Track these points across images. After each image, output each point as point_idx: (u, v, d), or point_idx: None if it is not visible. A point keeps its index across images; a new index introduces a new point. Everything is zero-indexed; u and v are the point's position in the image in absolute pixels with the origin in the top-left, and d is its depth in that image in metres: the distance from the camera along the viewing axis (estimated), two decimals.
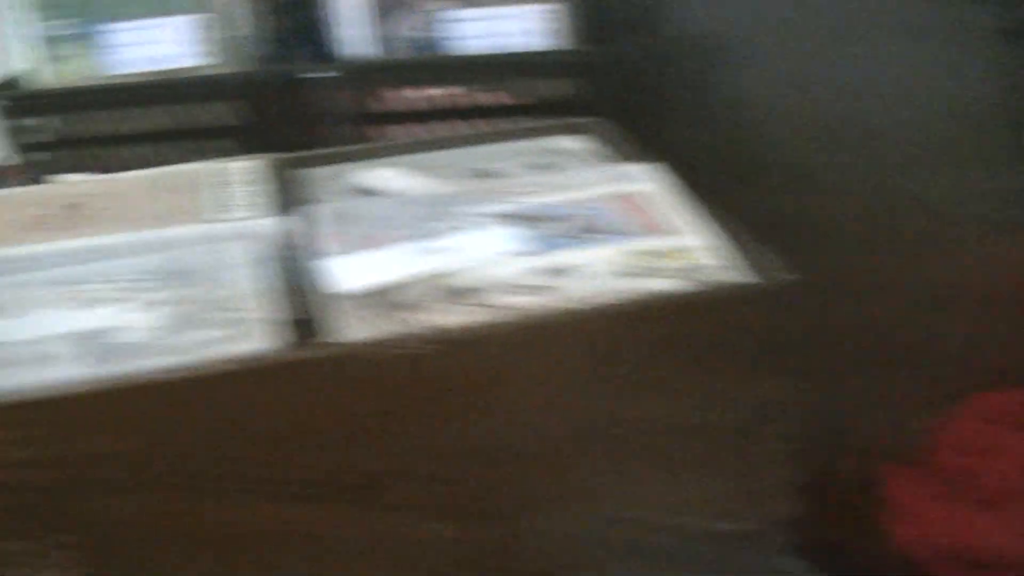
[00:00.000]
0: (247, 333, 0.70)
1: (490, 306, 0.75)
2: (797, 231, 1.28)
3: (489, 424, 0.72)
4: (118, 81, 1.23)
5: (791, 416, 0.79)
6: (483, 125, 1.21)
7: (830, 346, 1.34)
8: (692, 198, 0.86)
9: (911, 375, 1.34)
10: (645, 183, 0.87)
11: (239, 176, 0.91)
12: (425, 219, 0.82)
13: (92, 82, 1.23)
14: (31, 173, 1.21)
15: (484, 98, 1.21)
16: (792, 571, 1.02)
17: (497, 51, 1.23)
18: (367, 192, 0.93)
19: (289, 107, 1.20)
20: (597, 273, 0.76)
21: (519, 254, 0.78)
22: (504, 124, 1.14)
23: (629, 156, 0.93)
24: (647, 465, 0.78)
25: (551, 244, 0.79)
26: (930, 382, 1.35)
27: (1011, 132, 1.44)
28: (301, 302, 0.74)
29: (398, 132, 1.19)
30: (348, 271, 0.75)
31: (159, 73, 1.25)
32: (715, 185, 1.05)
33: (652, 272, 0.77)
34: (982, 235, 1.39)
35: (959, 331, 1.37)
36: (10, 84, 1.24)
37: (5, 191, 0.94)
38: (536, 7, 1.25)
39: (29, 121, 1.21)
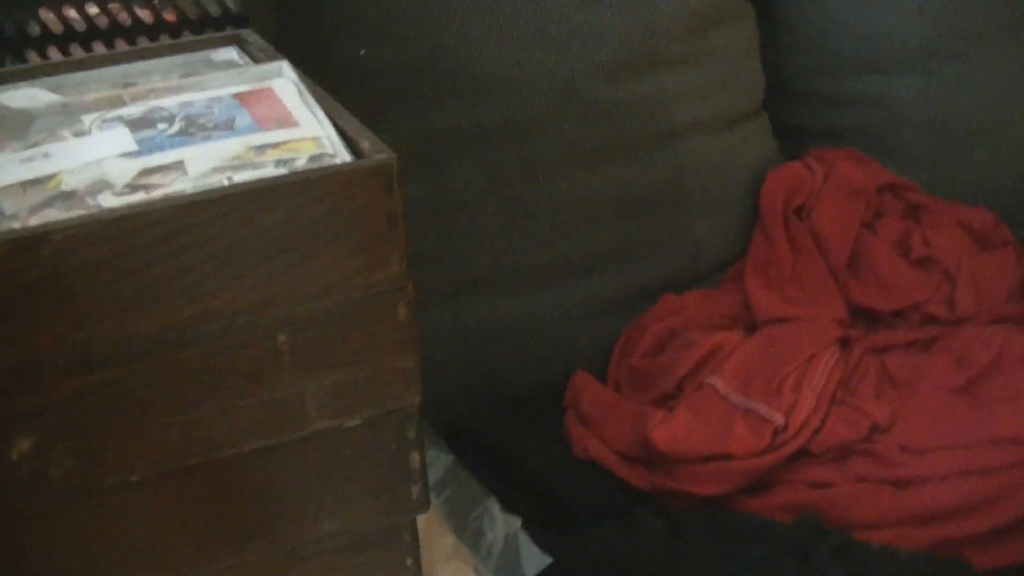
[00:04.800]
0: None
1: (94, 207, 0.75)
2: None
3: None
4: None
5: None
6: (144, 42, 1.20)
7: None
8: (319, 95, 0.87)
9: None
10: (271, 82, 0.88)
11: None
12: (38, 129, 0.82)
13: None
14: None
15: (143, 14, 1.21)
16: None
17: None
18: (9, 112, 0.92)
19: None
20: (199, 171, 0.77)
21: (124, 155, 0.79)
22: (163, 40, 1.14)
23: (269, 60, 0.94)
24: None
25: (159, 144, 0.80)
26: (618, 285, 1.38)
27: None
28: None
29: (55, 54, 1.18)
30: None
31: None
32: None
33: (252, 165, 0.78)
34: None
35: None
36: None
37: None
38: None
39: None
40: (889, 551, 1.16)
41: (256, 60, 0.98)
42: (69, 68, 1.00)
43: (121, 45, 1.20)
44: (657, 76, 1.37)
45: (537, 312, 1.33)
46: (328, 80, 1.13)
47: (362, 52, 1.24)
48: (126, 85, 0.97)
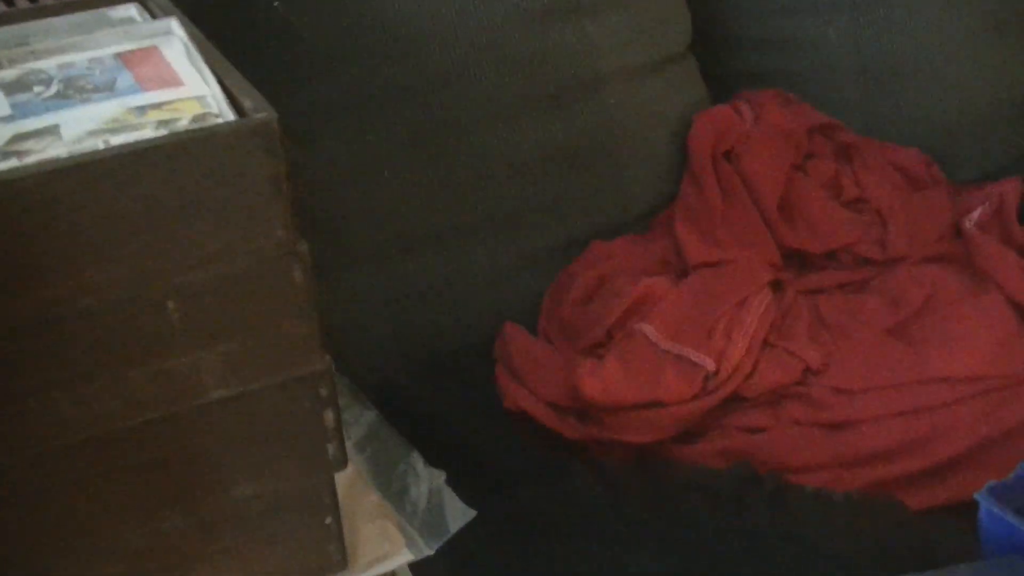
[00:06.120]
0: None
1: None
2: None
3: None
4: None
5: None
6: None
7: None
8: (210, 54, 0.84)
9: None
10: (156, 40, 0.85)
11: None
12: None
13: None
14: None
15: None
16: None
17: None
18: None
19: None
20: (74, 136, 0.74)
21: None
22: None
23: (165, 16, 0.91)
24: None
25: (33, 108, 0.77)
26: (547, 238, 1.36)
27: None
28: None
29: None
30: None
31: None
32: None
33: (131, 128, 0.75)
34: None
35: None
36: None
37: None
38: None
39: None
40: (823, 494, 1.16)
41: (156, 17, 0.95)
42: None
43: (22, 3, 1.16)
44: (579, 22, 1.35)
45: (466, 268, 1.31)
46: (246, 39, 1.10)
47: (276, 3, 1.21)
48: (19, 44, 0.94)
